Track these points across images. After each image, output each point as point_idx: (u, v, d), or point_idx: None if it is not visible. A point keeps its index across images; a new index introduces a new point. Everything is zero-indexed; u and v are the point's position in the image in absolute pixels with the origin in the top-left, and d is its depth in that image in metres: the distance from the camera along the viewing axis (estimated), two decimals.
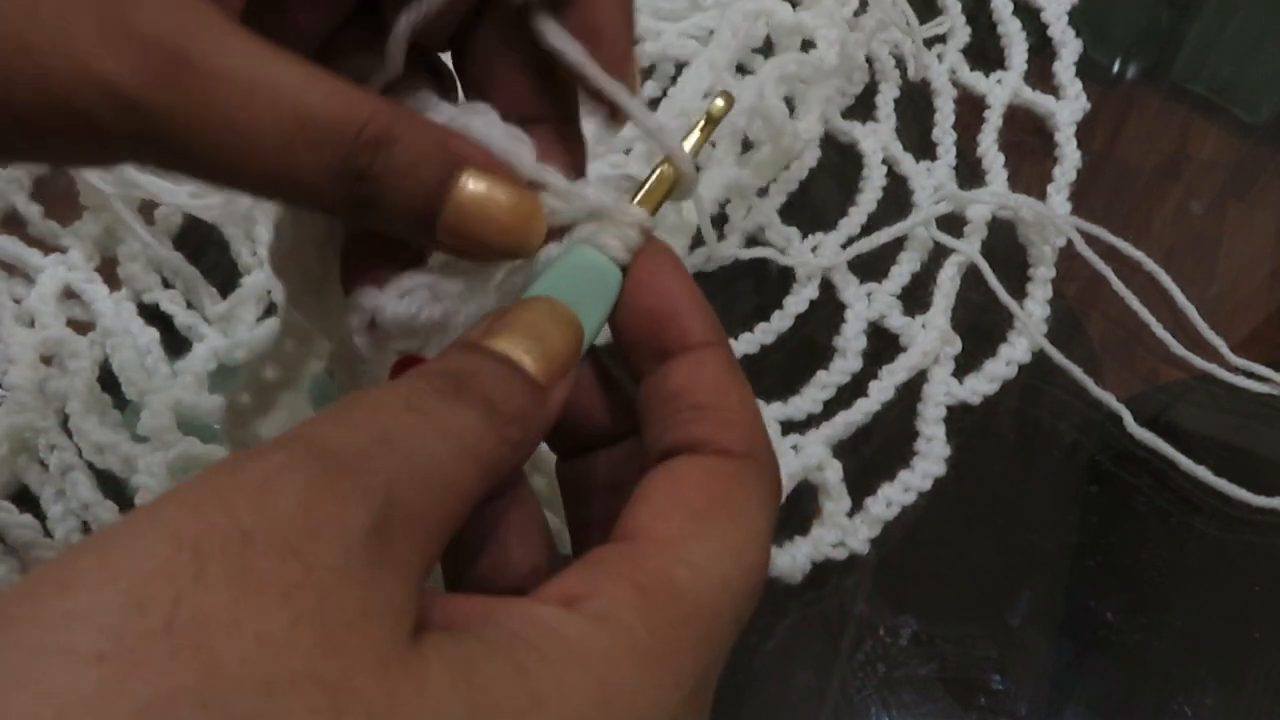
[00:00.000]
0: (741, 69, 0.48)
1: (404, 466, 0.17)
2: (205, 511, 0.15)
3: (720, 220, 0.44)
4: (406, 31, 0.22)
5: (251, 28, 0.19)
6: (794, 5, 0.48)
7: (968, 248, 0.43)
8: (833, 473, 0.37)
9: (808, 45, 0.48)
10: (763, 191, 0.46)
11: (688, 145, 0.24)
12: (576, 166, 0.24)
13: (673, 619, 0.18)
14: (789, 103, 0.45)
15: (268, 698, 0.13)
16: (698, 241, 0.43)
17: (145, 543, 0.14)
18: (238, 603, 0.14)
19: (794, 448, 0.38)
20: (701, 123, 0.25)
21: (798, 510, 0.37)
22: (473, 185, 0.21)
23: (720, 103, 0.24)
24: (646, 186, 0.24)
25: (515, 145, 0.22)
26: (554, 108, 0.24)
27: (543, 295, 0.22)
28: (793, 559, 0.35)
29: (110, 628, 0.13)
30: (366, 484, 0.16)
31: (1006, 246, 0.44)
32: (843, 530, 0.36)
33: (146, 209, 0.43)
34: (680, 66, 0.49)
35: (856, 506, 0.37)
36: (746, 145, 0.45)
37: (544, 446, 0.24)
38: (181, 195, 0.42)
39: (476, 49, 0.24)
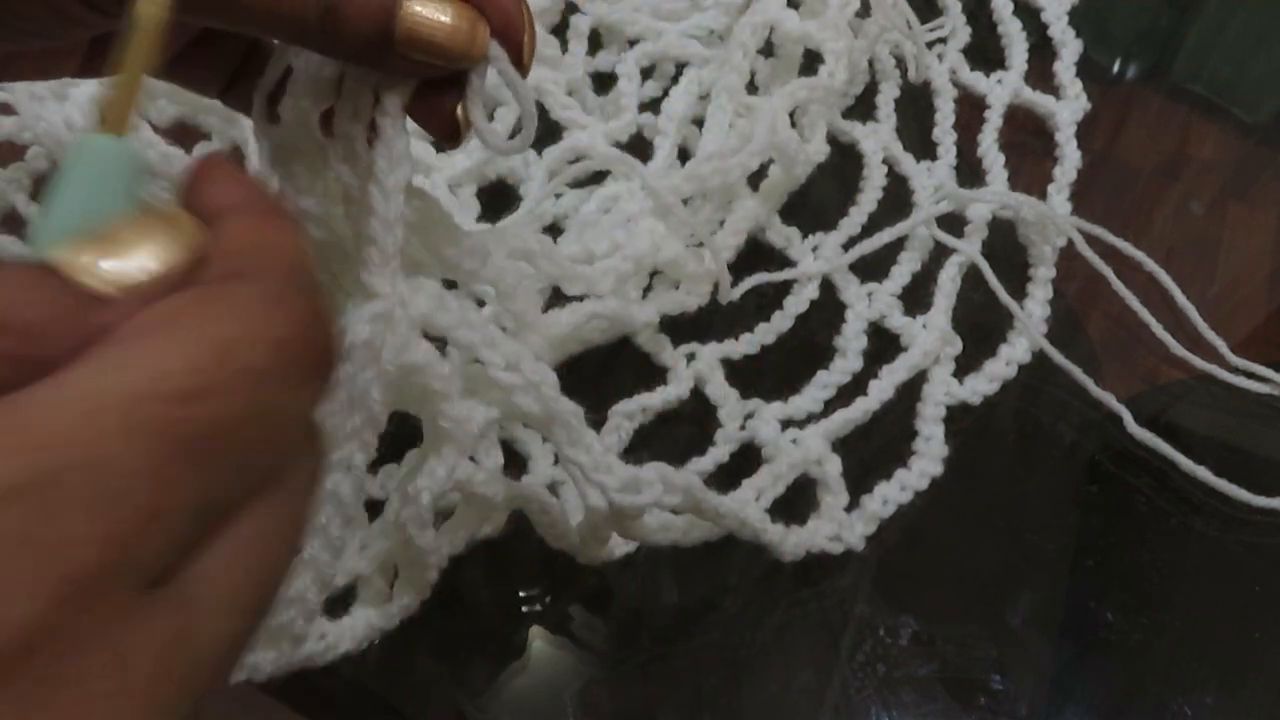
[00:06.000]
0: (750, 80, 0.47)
1: None
2: None
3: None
4: None
5: None
6: (792, 5, 0.48)
7: (968, 247, 0.43)
8: (832, 466, 0.37)
9: (810, 53, 0.47)
10: None
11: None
12: None
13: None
14: (791, 117, 0.45)
15: None
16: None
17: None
18: None
19: (794, 441, 0.38)
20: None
21: (800, 501, 0.37)
22: None
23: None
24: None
25: None
26: None
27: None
28: (790, 541, 0.35)
29: None
30: None
31: (1007, 246, 0.44)
32: (839, 524, 0.36)
33: None
34: (680, 66, 0.49)
35: (854, 505, 0.37)
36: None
37: None
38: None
39: None
